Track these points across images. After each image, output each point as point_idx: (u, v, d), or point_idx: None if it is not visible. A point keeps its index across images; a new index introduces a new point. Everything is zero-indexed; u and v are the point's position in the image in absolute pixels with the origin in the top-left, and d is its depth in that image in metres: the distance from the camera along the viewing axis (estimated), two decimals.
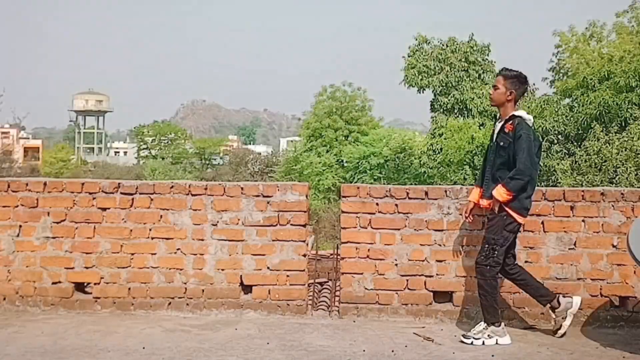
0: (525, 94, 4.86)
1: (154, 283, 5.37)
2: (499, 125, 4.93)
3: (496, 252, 4.72)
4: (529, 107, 25.55)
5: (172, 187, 5.40)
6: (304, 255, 5.38)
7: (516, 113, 4.84)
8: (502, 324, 4.76)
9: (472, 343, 4.62)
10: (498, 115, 5.03)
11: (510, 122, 4.81)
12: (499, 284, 4.85)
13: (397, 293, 5.30)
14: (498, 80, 4.91)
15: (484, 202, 4.86)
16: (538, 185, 5.14)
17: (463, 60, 29.61)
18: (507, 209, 4.70)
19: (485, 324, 4.72)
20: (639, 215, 5.22)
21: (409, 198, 5.34)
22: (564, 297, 4.87)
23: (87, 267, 5.38)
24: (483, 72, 29.96)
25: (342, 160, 39.49)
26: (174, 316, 5.27)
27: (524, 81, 4.90)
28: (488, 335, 4.66)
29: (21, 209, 5.42)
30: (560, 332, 4.83)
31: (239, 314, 5.31)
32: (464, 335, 4.72)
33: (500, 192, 4.67)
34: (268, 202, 5.37)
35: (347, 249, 5.36)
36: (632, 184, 16.37)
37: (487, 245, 4.75)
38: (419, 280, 5.29)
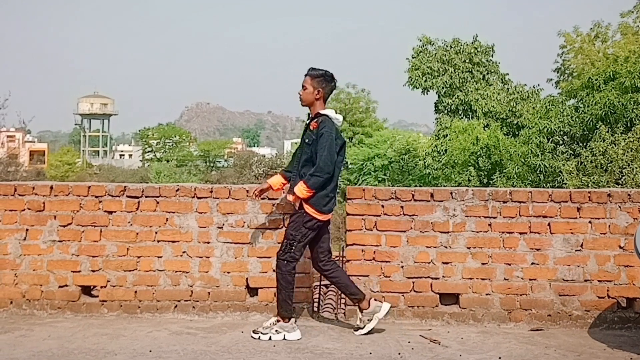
0: (334, 92, 4.94)
1: (160, 286, 5.37)
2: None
3: (294, 247, 4.79)
4: (534, 107, 25.53)
5: (177, 190, 5.41)
6: (309, 258, 5.37)
7: (322, 111, 4.89)
8: (293, 319, 4.82)
9: (259, 338, 4.70)
10: (309, 114, 5.06)
11: (315, 120, 4.89)
12: (294, 279, 4.89)
13: (403, 295, 5.30)
14: (306, 80, 4.95)
15: (290, 197, 4.89)
16: (543, 186, 5.15)
17: (467, 61, 29.56)
18: (305, 205, 4.77)
19: (275, 319, 4.81)
20: None
21: (415, 200, 5.33)
22: (375, 300, 4.93)
23: (93, 271, 5.40)
24: (487, 73, 29.90)
25: (347, 162, 39.48)
26: (180, 319, 5.28)
27: (330, 80, 4.96)
28: (276, 331, 4.74)
29: (28, 213, 5.44)
30: (362, 331, 4.86)
31: (245, 317, 5.31)
32: (254, 331, 4.78)
33: (300, 189, 4.75)
34: (273, 205, 5.38)
35: (352, 251, 5.36)
36: (639, 184, 16.31)
37: (286, 241, 4.84)
38: (425, 282, 5.29)
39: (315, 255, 5.00)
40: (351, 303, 5.31)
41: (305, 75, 4.95)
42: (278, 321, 4.79)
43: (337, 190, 5.03)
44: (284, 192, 5.21)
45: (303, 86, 4.95)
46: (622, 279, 5.22)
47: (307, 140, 4.89)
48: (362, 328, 4.89)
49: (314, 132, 4.83)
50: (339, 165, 4.90)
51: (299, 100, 4.99)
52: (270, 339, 4.69)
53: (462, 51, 29.73)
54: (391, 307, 4.96)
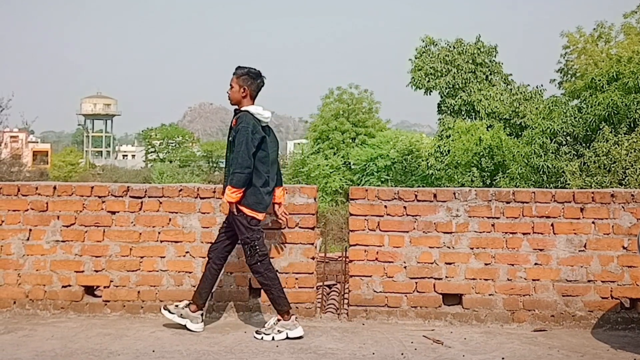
0: (262, 88, 5.01)
1: (163, 286, 5.38)
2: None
3: (257, 247, 4.79)
4: (537, 108, 25.51)
5: (180, 190, 5.41)
6: (313, 258, 5.38)
7: (244, 108, 4.90)
8: (293, 316, 4.81)
9: (262, 338, 4.69)
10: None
11: (235, 116, 4.90)
12: (276, 274, 4.91)
13: (406, 296, 5.29)
14: (232, 79, 4.96)
15: (225, 200, 4.88)
16: (547, 187, 5.14)
17: (470, 61, 29.55)
18: (241, 208, 4.76)
19: (276, 319, 4.80)
20: None
21: (418, 200, 5.33)
22: (201, 315, 4.95)
23: (96, 271, 5.40)
24: (490, 74, 29.88)
25: (350, 163, 39.45)
26: None
27: (255, 77, 4.96)
28: (278, 330, 4.74)
29: (31, 213, 5.44)
30: (170, 316, 4.88)
31: (247, 317, 5.31)
32: (257, 332, 4.78)
33: (228, 194, 4.73)
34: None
35: (355, 251, 5.36)
36: None
37: (246, 246, 4.82)
38: (428, 282, 5.28)
39: (219, 245, 4.96)
40: (354, 303, 5.32)
41: (233, 75, 4.98)
42: (279, 320, 4.79)
43: (271, 187, 4.95)
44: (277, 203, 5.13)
45: (230, 85, 4.97)
46: (626, 279, 5.21)
47: (230, 138, 4.90)
48: (170, 312, 4.91)
49: (234, 129, 4.85)
50: (262, 160, 4.83)
51: (228, 100, 5.01)
52: (273, 339, 4.69)
53: (465, 52, 29.71)
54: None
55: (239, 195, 4.72)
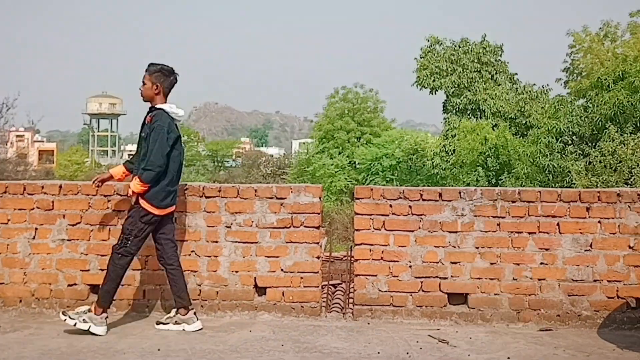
0: (175, 85, 5.08)
1: (168, 285, 5.38)
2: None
3: (129, 241, 4.80)
4: (542, 107, 25.45)
5: (186, 189, 5.42)
6: (318, 257, 5.38)
7: (159, 105, 4.92)
8: (105, 315, 4.79)
9: (75, 325, 4.68)
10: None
11: (151, 113, 4.92)
12: (124, 274, 4.89)
13: (411, 295, 5.29)
14: (145, 76, 4.98)
15: (129, 192, 4.90)
16: (552, 186, 5.12)
17: (475, 61, 29.47)
18: (141, 200, 4.79)
19: (88, 309, 4.78)
20: None
21: (423, 199, 5.32)
22: (194, 314, 4.95)
23: (102, 269, 5.39)
24: (496, 73, 29.79)
25: (355, 162, 39.42)
26: None
27: (167, 74, 4.99)
28: (83, 320, 4.72)
29: (37, 212, 5.46)
30: (162, 327, 4.86)
31: (253, 316, 5.32)
32: (63, 313, 4.78)
33: (134, 184, 4.79)
34: (282, 204, 5.38)
35: (360, 250, 5.35)
36: None
37: (122, 235, 4.84)
38: (433, 282, 5.28)
39: (161, 248, 5.00)
40: (359, 303, 5.32)
41: (145, 72, 4.99)
42: (90, 310, 4.78)
43: (177, 186, 5.03)
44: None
45: (143, 82, 4.99)
46: (632, 279, 5.19)
47: (143, 135, 4.92)
48: (164, 324, 4.91)
49: (149, 126, 4.87)
50: (175, 160, 4.89)
51: (141, 96, 5.02)
52: (75, 325, 4.70)
53: (471, 51, 29.63)
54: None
55: (144, 189, 4.78)
